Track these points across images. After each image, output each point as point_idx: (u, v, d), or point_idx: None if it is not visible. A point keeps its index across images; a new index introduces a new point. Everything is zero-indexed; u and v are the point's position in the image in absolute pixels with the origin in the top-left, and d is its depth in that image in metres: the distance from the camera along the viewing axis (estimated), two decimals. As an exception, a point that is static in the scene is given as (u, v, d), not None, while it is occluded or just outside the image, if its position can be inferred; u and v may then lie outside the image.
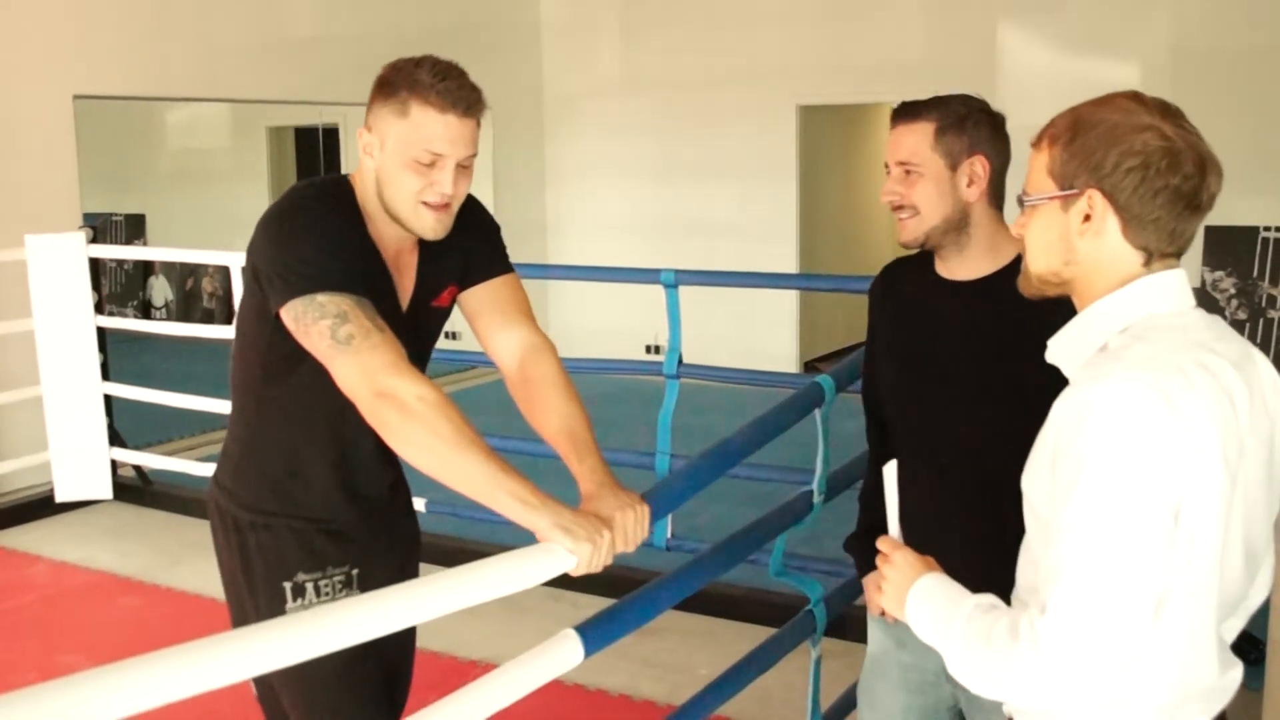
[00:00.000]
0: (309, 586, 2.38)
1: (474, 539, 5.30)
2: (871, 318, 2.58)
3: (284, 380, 2.32)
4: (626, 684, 4.29)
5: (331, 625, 1.54)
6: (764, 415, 2.78)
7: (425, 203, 2.18)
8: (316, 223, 2.18)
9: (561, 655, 2.05)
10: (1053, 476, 1.56)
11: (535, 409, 2.27)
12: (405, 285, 2.36)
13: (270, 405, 2.38)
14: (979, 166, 2.28)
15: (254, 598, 2.40)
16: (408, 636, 2.57)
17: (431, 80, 2.13)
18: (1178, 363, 1.54)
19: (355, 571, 2.42)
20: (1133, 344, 1.58)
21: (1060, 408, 1.58)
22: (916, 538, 1.93)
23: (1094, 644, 1.49)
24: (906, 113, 2.33)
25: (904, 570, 1.78)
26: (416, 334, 2.37)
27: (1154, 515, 1.48)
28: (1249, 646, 3.79)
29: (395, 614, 1.63)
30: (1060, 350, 1.70)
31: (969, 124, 2.28)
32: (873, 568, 2.56)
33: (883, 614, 2.48)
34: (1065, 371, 1.69)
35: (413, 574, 2.59)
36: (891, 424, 2.50)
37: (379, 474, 2.48)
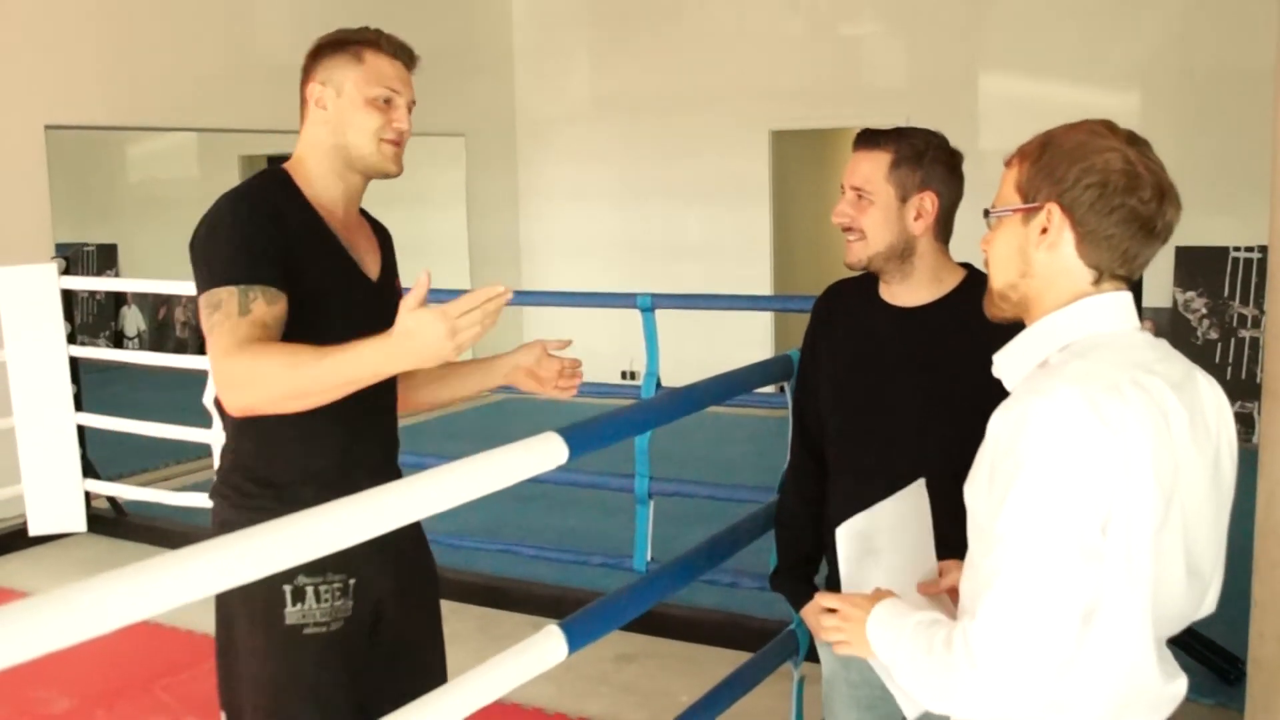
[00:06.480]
0: (309, 590, 2.26)
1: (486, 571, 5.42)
2: (812, 335, 2.65)
3: None
4: (608, 710, 4.27)
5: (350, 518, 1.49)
6: (732, 372, 2.94)
7: (385, 139, 2.34)
8: (228, 216, 2.27)
9: (546, 651, 2.05)
10: (990, 488, 1.60)
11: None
12: (371, 260, 2.44)
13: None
14: (928, 202, 2.37)
15: (246, 605, 2.26)
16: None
17: (378, 36, 2.37)
18: (1114, 380, 1.58)
19: (352, 581, 2.32)
20: (1072, 360, 1.63)
21: (997, 421, 1.62)
22: None
23: (1023, 650, 1.53)
24: (867, 140, 2.43)
25: (854, 615, 1.80)
26: (390, 308, 2.25)
27: (1080, 526, 1.52)
28: (1228, 665, 3.79)
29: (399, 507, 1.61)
30: (1004, 364, 1.75)
31: (925, 160, 2.38)
32: (807, 599, 2.59)
33: None
34: (1006, 385, 1.73)
35: (424, 606, 2.54)
36: (830, 442, 2.54)
37: (380, 477, 2.38)
